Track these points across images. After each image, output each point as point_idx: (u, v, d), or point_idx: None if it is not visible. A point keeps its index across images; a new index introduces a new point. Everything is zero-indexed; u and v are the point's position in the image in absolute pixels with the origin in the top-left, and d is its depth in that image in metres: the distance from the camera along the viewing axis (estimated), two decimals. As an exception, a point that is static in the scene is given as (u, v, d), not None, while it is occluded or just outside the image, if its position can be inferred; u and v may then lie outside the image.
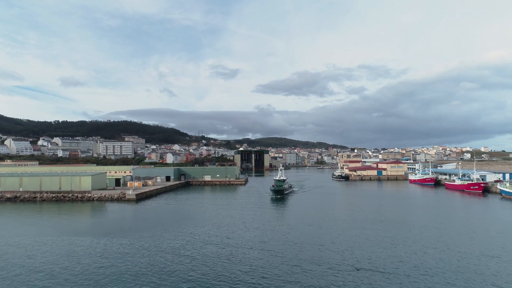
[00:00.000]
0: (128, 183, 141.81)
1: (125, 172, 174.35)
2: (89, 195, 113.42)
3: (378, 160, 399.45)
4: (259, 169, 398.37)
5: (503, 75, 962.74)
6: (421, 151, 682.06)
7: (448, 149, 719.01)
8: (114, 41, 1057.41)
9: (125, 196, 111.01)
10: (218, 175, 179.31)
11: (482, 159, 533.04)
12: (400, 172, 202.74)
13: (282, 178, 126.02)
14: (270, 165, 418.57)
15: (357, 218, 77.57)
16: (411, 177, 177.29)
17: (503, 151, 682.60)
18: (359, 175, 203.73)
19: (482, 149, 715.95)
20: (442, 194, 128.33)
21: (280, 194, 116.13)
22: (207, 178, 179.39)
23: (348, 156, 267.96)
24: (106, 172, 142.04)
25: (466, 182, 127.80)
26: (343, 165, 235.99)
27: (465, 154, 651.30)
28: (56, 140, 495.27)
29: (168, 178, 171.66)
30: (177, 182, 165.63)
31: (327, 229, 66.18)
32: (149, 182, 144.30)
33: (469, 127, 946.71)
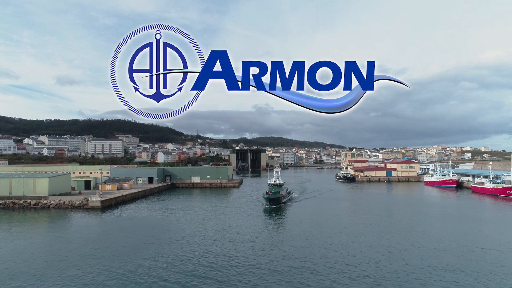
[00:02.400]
0: (100, 186, 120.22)
1: (102, 172, 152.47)
2: (45, 201, 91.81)
3: (380, 159, 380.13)
4: (256, 169, 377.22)
5: (501, 75, 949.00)
6: (421, 150, 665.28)
7: (448, 148, 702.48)
8: (110, 40, 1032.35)
9: (87, 203, 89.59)
10: (208, 176, 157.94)
11: (484, 159, 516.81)
12: (412, 172, 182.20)
13: (278, 182, 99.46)
14: (267, 164, 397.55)
15: (394, 244, 56.51)
16: (427, 178, 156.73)
17: (503, 150, 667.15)
18: (366, 176, 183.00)
19: (483, 149, 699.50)
20: (472, 200, 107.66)
21: (275, 203, 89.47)
22: (196, 179, 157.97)
23: (353, 155, 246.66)
24: (70, 173, 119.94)
25: (501, 186, 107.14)
26: (347, 165, 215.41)
27: (465, 154, 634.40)
28: (42, 138, 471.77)
29: (150, 180, 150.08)
30: (161, 184, 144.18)
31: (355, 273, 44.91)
32: (125, 184, 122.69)
33: (466, 127, 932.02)
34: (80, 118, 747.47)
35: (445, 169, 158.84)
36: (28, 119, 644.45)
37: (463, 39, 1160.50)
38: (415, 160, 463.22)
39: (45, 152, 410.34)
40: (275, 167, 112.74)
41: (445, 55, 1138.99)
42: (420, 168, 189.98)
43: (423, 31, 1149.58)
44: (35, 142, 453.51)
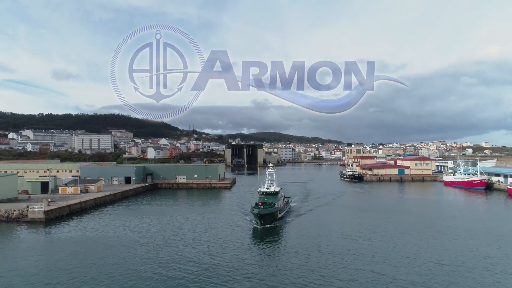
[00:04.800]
0: (60, 188, 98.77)
1: (70, 171, 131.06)
2: (-25, 211, 70.38)
3: (383, 155, 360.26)
4: (252, 166, 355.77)
5: (502, 71, 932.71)
6: (421, 146, 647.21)
7: (448, 144, 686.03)
8: (107, 34, 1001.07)
9: (27, 215, 68.20)
10: (196, 175, 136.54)
11: (485, 154, 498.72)
12: (427, 170, 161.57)
13: (272, 188, 72.56)
14: (264, 161, 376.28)
15: None
16: (448, 178, 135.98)
17: (504, 146, 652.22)
18: (375, 174, 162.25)
19: (483, 145, 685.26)
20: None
21: (269, 220, 62.35)
22: (182, 179, 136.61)
23: (358, 151, 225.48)
24: (17, 173, 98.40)
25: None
26: (353, 162, 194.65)
27: (466, 149, 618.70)
28: (27, 133, 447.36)
29: (128, 180, 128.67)
30: (139, 185, 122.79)
31: None
32: (92, 187, 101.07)
33: (464, 123, 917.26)
34: (77, 113, 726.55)
35: (469, 167, 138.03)
36: (19, 113, 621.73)
37: (466, 35, 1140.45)
38: (417, 156, 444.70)
39: (29, 147, 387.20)
40: (269, 167, 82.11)
41: (446, 51, 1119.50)
42: (436, 166, 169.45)
43: (424, 26, 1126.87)
44: (19, 137, 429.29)
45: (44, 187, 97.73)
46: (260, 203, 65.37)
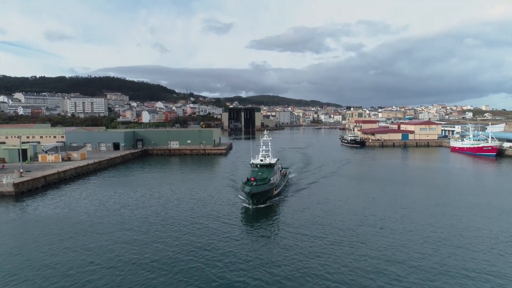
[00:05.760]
0: (40, 156, 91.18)
1: (54, 137, 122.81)
2: None
3: (383, 119, 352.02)
4: (250, 130, 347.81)
5: (506, 32, 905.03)
6: (421, 109, 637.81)
7: (448, 107, 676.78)
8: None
9: (-5, 188, 60.98)
10: (189, 141, 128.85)
11: (486, 118, 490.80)
12: (432, 135, 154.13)
13: (267, 160, 62.60)
14: (262, 124, 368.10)
15: None
16: (455, 143, 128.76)
17: (504, 109, 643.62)
18: (378, 139, 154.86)
19: (483, 108, 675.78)
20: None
21: (262, 199, 52.94)
22: (174, 145, 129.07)
23: (360, 114, 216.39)
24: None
25: None
26: (354, 126, 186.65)
27: (466, 113, 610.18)
28: (18, 96, 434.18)
29: (116, 146, 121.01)
30: (128, 151, 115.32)
31: None
32: (74, 154, 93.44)
33: (464, 85, 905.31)
34: (72, 75, 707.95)
35: (480, 132, 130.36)
36: (12, 76, 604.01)
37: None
38: (417, 119, 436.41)
39: (21, 111, 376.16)
40: (264, 135, 69.93)
41: (450, 11, 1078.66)
42: (442, 130, 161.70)
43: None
44: (10, 100, 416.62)
45: (23, 155, 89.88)
46: (252, 178, 55.33)
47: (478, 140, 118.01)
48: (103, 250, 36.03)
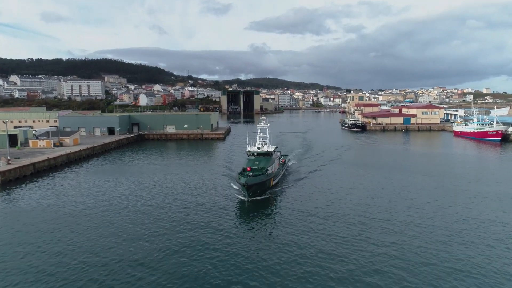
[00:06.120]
0: (31, 141, 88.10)
1: (47, 121, 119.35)
2: None
3: (384, 102, 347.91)
4: (249, 113, 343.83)
5: (509, 13, 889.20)
6: (421, 92, 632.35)
7: (449, 90, 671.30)
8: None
9: (-20, 176, 58.14)
10: (186, 126, 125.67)
11: (486, 101, 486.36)
12: (434, 119, 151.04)
13: (265, 148, 58.46)
14: (261, 107, 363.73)
15: None
16: (458, 128, 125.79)
17: (505, 92, 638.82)
18: (379, 123, 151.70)
19: (484, 91, 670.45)
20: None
21: (259, 191, 49.24)
22: (171, 129, 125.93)
23: (361, 98, 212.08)
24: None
25: None
26: (355, 109, 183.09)
27: (467, 96, 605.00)
28: (14, 78, 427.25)
29: (111, 131, 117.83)
30: (124, 136, 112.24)
31: None
32: (67, 140, 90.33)
33: (465, 68, 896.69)
34: (69, 58, 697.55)
35: (484, 116, 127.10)
36: (8, 58, 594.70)
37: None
38: (418, 102, 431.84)
39: (16, 94, 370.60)
40: (261, 121, 64.98)
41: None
42: (445, 114, 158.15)
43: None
44: (6, 83, 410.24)
45: (13, 140, 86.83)
46: (248, 168, 51.41)
47: (483, 124, 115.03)
48: (88, 245, 33.44)
